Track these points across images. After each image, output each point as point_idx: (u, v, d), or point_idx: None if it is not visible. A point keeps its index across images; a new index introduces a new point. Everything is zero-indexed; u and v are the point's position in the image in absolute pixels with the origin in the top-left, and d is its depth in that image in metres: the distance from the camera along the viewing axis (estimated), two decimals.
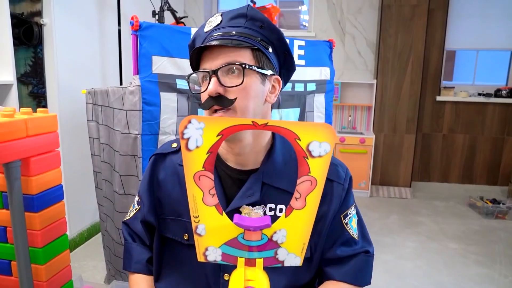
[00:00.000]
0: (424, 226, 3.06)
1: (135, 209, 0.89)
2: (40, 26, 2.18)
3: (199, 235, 0.58)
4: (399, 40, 3.67)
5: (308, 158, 0.53)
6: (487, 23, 3.78)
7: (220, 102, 0.70)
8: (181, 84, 1.39)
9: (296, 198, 0.56)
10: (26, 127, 0.88)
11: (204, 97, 0.73)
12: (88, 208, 2.60)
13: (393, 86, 3.77)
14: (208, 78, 0.71)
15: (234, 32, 0.72)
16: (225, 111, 0.71)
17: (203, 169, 0.55)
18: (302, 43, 1.70)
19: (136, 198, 0.90)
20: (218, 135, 0.53)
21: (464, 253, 2.58)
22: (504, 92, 3.75)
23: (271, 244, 0.58)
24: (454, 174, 4.04)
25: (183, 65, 1.39)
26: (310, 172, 0.54)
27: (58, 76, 2.27)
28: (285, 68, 0.81)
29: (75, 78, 2.42)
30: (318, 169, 0.54)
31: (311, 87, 1.80)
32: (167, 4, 2.58)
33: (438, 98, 3.89)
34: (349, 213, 0.81)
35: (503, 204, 3.27)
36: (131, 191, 1.44)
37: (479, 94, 3.85)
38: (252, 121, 0.52)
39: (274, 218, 0.74)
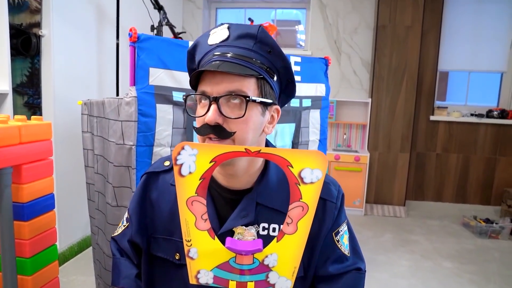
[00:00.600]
0: (418, 244, 3.04)
1: (124, 226, 0.87)
2: (39, 37, 2.20)
3: (191, 258, 0.59)
4: (394, 59, 3.73)
5: (300, 185, 0.54)
6: (479, 45, 3.87)
7: (218, 133, 0.67)
8: (178, 96, 1.39)
9: (287, 223, 0.57)
10: (20, 134, 0.87)
11: (200, 121, 0.69)
12: (79, 221, 2.55)
13: (387, 105, 3.82)
14: (207, 101, 0.68)
15: (240, 55, 0.68)
16: (221, 140, 0.67)
17: (196, 194, 0.55)
18: (298, 59, 1.73)
19: (126, 215, 0.88)
20: (211, 162, 0.54)
21: (458, 272, 2.56)
22: (495, 113, 3.81)
23: (263, 268, 0.59)
24: (448, 193, 4.05)
25: (180, 78, 1.40)
26: (301, 198, 0.55)
27: (55, 87, 2.27)
28: (285, 94, 0.79)
29: (72, 89, 2.42)
30: (309, 195, 0.54)
31: (307, 103, 1.82)
32: (166, 19, 2.62)
33: (432, 118, 3.94)
34: (341, 230, 0.81)
35: (496, 223, 3.27)
36: (124, 203, 1.42)
37: (472, 115, 3.91)
38: (245, 149, 0.53)
39: (267, 237, 0.73)
